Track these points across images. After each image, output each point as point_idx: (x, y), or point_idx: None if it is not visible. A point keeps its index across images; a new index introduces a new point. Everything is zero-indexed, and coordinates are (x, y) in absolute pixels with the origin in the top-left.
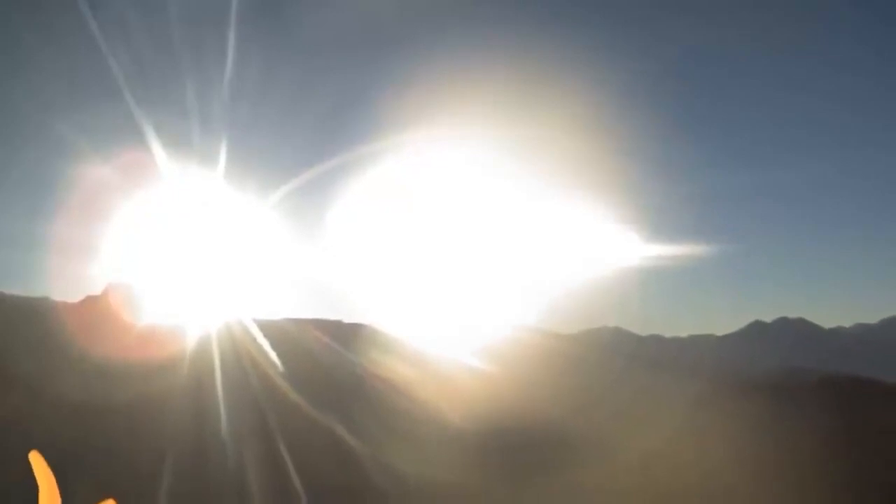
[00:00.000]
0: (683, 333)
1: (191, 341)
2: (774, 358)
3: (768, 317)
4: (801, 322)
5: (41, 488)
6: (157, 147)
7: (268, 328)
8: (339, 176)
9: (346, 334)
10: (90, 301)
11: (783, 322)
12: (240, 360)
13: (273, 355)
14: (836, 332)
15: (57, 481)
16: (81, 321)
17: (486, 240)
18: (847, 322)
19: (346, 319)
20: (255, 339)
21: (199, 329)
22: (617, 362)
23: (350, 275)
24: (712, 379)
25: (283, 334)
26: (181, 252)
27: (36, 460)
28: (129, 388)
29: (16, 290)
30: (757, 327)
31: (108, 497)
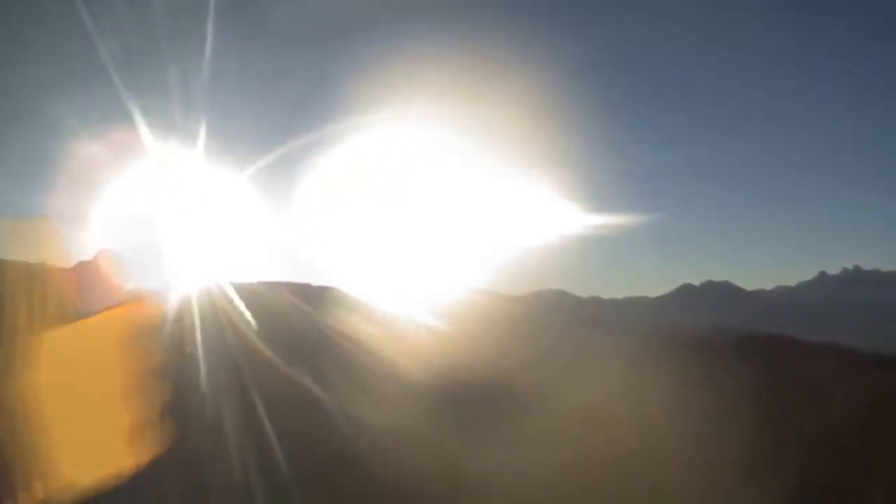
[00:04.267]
0: (620, 295)
1: (173, 303)
2: (702, 317)
3: (696, 280)
4: (727, 285)
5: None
6: (143, 126)
7: (243, 291)
8: (308, 152)
9: (315, 296)
10: (82, 266)
11: (710, 285)
12: (218, 319)
13: (248, 315)
14: (759, 294)
15: None
16: (74, 284)
17: (442, 210)
18: (768, 285)
19: (315, 283)
20: (231, 301)
21: (180, 291)
22: (559, 322)
23: (318, 242)
24: (646, 337)
25: (258, 296)
26: (165, 221)
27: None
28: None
29: (15, 255)
30: (686, 290)
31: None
